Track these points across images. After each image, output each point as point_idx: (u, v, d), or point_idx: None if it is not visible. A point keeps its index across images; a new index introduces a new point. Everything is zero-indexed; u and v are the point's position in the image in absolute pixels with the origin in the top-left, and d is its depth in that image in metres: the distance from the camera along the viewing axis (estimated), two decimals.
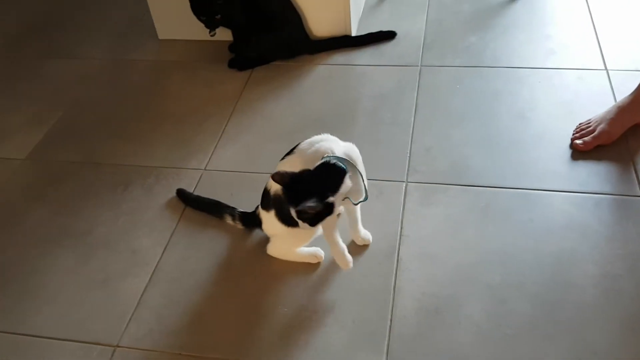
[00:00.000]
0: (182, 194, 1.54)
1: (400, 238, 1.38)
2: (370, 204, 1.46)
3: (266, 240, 1.39)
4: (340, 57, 2.01)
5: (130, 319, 1.28)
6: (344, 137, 1.66)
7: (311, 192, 1.12)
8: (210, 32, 1.93)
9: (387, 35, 2.05)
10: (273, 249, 1.37)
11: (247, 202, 1.47)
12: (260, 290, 1.32)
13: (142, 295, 1.33)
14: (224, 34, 2.05)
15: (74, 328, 1.28)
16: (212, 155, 1.68)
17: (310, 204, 1.10)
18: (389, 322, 1.22)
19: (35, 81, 2.07)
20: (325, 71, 1.95)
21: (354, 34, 2.07)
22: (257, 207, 1.38)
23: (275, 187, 1.26)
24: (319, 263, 1.35)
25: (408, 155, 1.59)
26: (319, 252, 1.36)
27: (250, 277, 1.35)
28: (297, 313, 1.26)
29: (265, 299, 1.30)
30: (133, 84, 2.01)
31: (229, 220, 1.45)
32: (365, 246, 1.38)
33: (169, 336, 1.25)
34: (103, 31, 2.29)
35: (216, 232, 1.45)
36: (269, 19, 1.95)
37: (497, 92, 1.78)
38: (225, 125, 1.78)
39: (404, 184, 1.51)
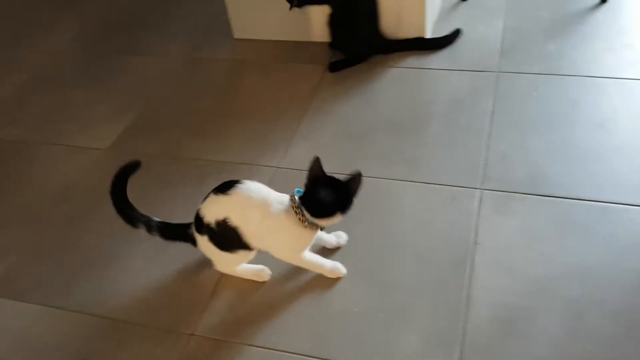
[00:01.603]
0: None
1: (474, 246, 1.36)
2: (442, 210, 1.46)
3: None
4: (413, 60, 2.00)
5: (205, 309, 1.32)
6: (417, 141, 1.68)
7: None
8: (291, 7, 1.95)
9: (455, 36, 2.00)
10: (218, 267, 1.37)
11: None
12: (332, 289, 1.33)
13: (215, 286, 1.36)
14: (295, 35, 2.09)
15: (152, 314, 1.33)
16: (285, 153, 1.70)
17: None
18: (461, 330, 1.21)
19: (117, 76, 2.15)
20: (398, 74, 1.95)
21: (427, 36, 2.06)
22: (190, 226, 1.34)
23: (208, 218, 1.27)
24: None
25: (483, 162, 1.57)
26: (265, 271, 1.36)
27: (321, 274, 1.36)
28: (368, 314, 1.27)
29: (337, 298, 1.31)
30: (209, 81, 2.07)
31: (142, 230, 1.35)
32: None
33: (241, 328, 1.27)
34: (181, 29, 2.37)
35: None
36: (352, 11, 1.95)
37: (576, 101, 1.74)
38: (299, 125, 1.80)
39: (478, 191, 1.49)
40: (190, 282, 1.38)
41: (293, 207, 1.24)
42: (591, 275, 1.28)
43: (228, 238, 1.27)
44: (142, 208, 1.58)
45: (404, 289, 1.30)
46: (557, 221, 1.39)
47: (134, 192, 1.64)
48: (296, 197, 1.25)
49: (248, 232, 1.25)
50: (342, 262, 1.37)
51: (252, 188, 1.28)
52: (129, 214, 1.36)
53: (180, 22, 2.42)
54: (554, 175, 1.51)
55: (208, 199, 1.30)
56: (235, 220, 1.25)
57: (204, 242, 1.33)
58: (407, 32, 2.03)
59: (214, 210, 1.27)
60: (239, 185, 1.27)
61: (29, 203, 1.66)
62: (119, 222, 1.55)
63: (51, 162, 1.80)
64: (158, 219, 1.38)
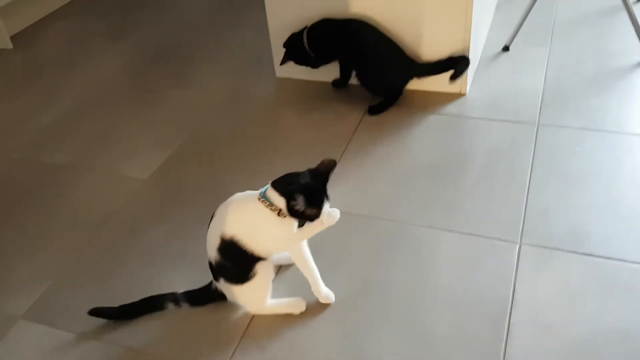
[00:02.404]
0: (99, 312, 1.38)
1: (512, 302, 1.34)
2: (480, 262, 1.44)
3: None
4: (453, 108, 2.01)
5: (235, 349, 1.31)
6: (455, 190, 1.67)
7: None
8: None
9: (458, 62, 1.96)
10: (251, 309, 1.38)
11: (355, 244, 1.49)
12: (366, 335, 1.31)
13: (248, 326, 1.36)
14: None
15: (183, 350, 1.32)
16: None
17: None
18: None
19: (161, 107, 2.21)
20: (438, 120, 1.96)
21: (469, 86, 2.07)
22: (211, 283, 1.38)
23: (213, 254, 1.29)
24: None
25: (523, 215, 1.55)
26: (301, 302, 1.37)
27: (356, 319, 1.35)
28: None
29: (370, 344, 1.29)
30: (250, 117, 2.11)
31: (171, 306, 1.39)
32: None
33: None
34: (226, 65, 2.43)
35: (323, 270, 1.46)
36: (368, 56, 1.99)
37: (619, 159, 1.71)
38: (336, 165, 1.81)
39: (518, 246, 1.47)
40: (223, 319, 1.38)
41: (264, 205, 1.23)
42: (633, 340, 1.24)
43: (236, 259, 1.26)
44: (180, 241, 1.61)
45: (439, 340, 1.28)
46: (599, 282, 1.36)
47: (172, 224, 1.67)
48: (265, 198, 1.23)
49: (244, 236, 1.24)
50: (376, 308, 1.37)
51: (231, 198, 1.30)
52: (153, 304, 1.39)
53: (225, 59, 2.48)
54: (595, 233, 1.48)
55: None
56: (229, 230, 1.25)
57: (225, 287, 1.33)
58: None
59: (212, 241, 1.28)
60: (220, 205, 1.31)
61: (69, 228, 1.70)
62: (155, 253, 1.58)
63: (93, 188, 1.84)
64: (182, 291, 1.40)
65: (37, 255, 1.61)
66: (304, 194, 1.20)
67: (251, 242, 1.25)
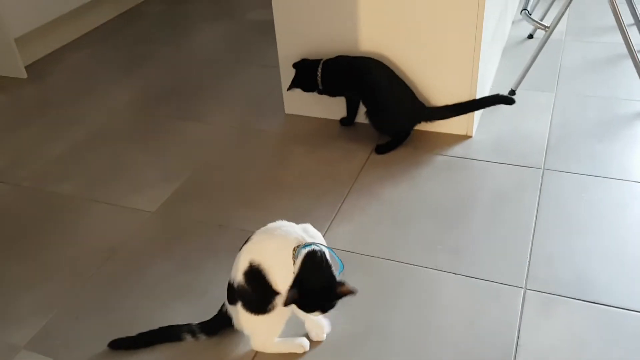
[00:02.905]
0: (119, 344, 1.40)
1: (516, 348, 1.33)
2: (484, 306, 1.44)
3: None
4: (459, 149, 2.03)
5: None
6: (460, 232, 1.68)
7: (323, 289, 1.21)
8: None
9: (505, 100, 2.02)
10: (256, 344, 1.36)
11: (358, 284, 1.47)
12: None
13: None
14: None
15: None
16: (327, 231, 1.72)
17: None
18: None
19: (170, 140, 2.23)
20: (444, 162, 1.98)
21: (475, 128, 2.10)
22: (223, 306, 1.38)
23: (237, 277, 1.28)
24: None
25: (528, 260, 1.55)
26: (304, 341, 1.36)
27: None
28: None
29: None
30: (257, 152, 2.13)
31: (188, 338, 1.39)
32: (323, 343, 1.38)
33: None
34: (235, 100, 2.46)
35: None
36: (379, 95, 2.03)
37: (626, 206, 1.72)
38: (342, 204, 1.82)
39: (523, 291, 1.47)
40: (227, 354, 1.37)
41: (292, 255, 1.22)
42: None
43: (258, 289, 1.25)
44: (185, 275, 1.61)
45: None
46: (604, 330, 1.36)
47: (178, 257, 1.67)
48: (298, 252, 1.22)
49: (268, 268, 1.24)
50: (378, 351, 1.36)
51: (271, 225, 1.30)
52: (170, 334, 1.40)
53: (234, 94, 2.52)
54: (601, 281, 1.48)
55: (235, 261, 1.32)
56: (257, 258, 1.25)
57: (238, 313, 1.32)
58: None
59: (240, 263, 1.28)
60: (261, 228, 1.31)
61: (74, 259, 1.70)
62: (159, 286, 1.58)
63: (99, 220, 1.85)
64: (197, 322, 1.40)
65: (41, 286, 1.62)
66: (301, 294, 1.19)
67: (273, 276, 1.25)
